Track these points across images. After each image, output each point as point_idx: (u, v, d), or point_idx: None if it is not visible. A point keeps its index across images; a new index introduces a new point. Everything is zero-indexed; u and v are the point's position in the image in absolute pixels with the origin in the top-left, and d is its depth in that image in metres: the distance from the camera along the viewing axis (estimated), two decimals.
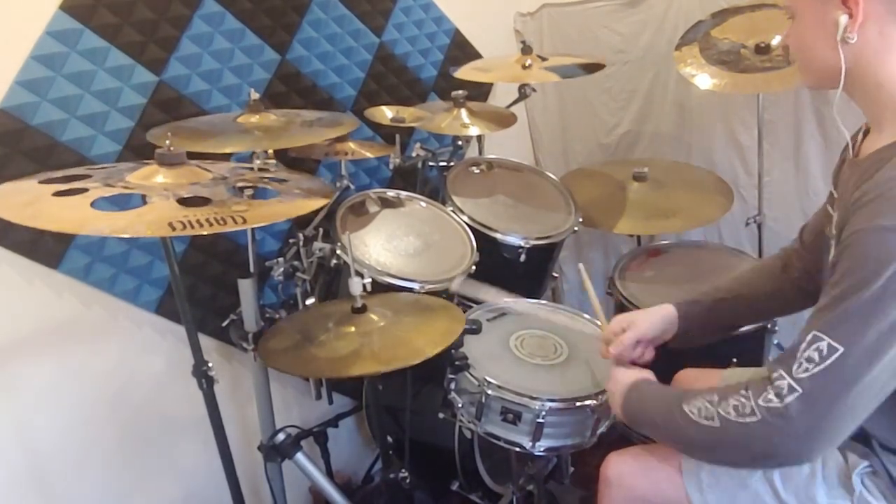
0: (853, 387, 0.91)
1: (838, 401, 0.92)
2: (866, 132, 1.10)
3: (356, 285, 1.34)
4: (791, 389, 0.93)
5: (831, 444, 0.97)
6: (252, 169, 1.29)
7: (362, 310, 1.36)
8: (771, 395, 0.95)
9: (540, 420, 1.43)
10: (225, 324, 1.59)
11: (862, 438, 1.10)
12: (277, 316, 1.58)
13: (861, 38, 0.99)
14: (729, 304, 1.36)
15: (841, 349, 0.91)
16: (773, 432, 0.95)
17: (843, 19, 0.98)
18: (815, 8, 1.02)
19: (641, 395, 1.20)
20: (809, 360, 0.93)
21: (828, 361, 0.91)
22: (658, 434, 1.17)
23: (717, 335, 1.42)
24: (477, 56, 2.32)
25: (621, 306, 1.98)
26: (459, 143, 1.99)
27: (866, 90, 1.03)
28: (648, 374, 1.26)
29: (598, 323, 1.46)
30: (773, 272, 1.37)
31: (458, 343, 1.47)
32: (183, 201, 1.02)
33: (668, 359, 1.39)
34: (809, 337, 0.94)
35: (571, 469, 1.86)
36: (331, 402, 1.82)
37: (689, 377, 1.49)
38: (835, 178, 1.19)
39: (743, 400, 0.99)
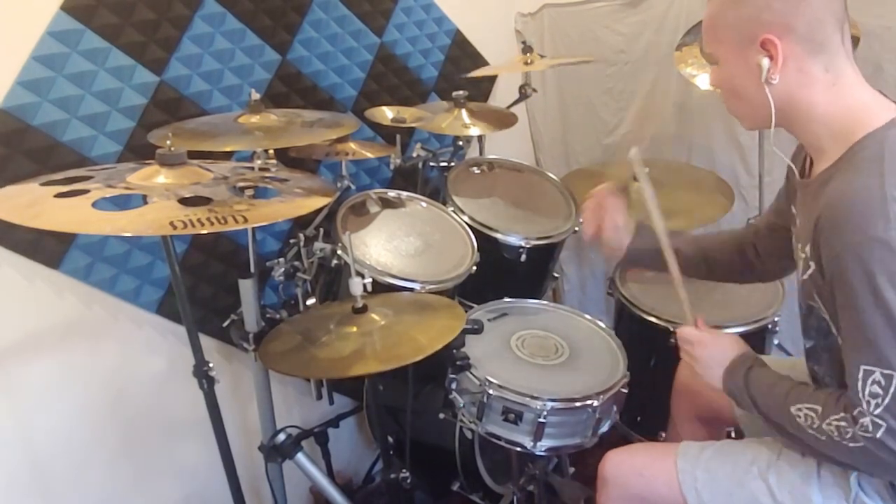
0: None
1: None
2: (812, 159, 1.14)
3: (357, 285, 1.34)
4: (876, 425, 0.98)
5: None
6: (253, 169, 1.29)
7: (363, 310, 1.36)
8: (864, 429, 0.99)
9: (541, 420, 1.44)
10: (226, 324, 1.59)
11: None
12: (278, 316, 1.58)
13: (783, 78, 1.04)
14: (687, 260, 1.40)
15: (895, 374, 0.95)
16: (877, 459, 0.99)
17: (766, 62, 1.04)
18: (737, 53, 1.07)
19: (739, 378, 1.18)
20: (874, 395, 0.97)
21: (892, 389, 0.95)
22: (765, 421, 1.15)
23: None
24: (477, 56, 2.32)
25: (621, 306, 1.98)
26: (460, 143, 1.99)
27: (800, 123, 1.09)
28: (745, 347, 1.24)
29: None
30: (741, 247, 1.43)
31: (460, 343, 1.47)
32: (184, 201, 1.02)
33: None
34: (860, 373, 0.98)
35: (571, 469, 1.87)
36: (331, 402, 1.81)
37: None
38: (789, 198, 1.24)
39: (845, 424, 1.02)
